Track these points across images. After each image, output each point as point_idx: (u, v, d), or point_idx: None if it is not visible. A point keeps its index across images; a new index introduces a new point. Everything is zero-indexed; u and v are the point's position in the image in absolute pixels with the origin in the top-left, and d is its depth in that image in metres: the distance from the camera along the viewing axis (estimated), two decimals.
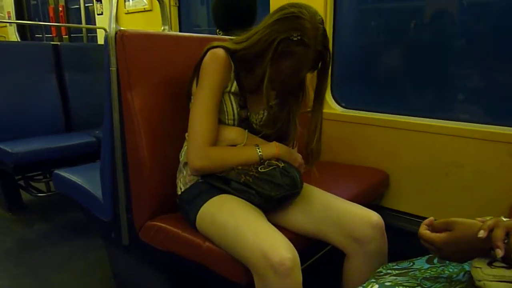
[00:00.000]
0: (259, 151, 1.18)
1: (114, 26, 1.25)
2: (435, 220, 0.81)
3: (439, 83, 1.92)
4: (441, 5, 1.91)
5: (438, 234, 0.77)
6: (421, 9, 1.99)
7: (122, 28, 1.26)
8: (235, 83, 1.20)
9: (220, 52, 1.15)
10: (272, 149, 1.20)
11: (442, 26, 1.89)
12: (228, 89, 1.20)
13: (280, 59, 1.10)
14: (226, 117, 1.21)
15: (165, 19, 1.49)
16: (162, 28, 1.49)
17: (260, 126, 1.27)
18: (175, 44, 1.41)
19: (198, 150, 1.14)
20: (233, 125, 1.22)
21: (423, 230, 0.79)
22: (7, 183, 2.53)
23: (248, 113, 1.25)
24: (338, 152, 1.97)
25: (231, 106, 1.21)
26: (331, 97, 2.02)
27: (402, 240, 1.35)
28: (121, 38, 1.25)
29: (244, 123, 1.24)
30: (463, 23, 1.88)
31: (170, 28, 1.61)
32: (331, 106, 2.00)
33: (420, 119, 1.75)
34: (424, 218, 1.70)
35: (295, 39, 1.06)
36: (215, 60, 1.14)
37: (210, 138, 1.15)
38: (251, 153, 1.18)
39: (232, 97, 1.21)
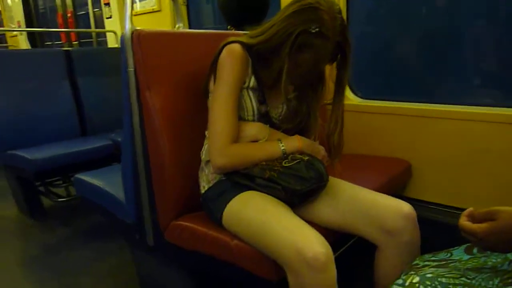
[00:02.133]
0: (282, 146, 1.16)
1: (130, 26, 1.23)
2: (475, 210, 0.78)
3: (460, 68, 1.87)
4: None
5: (480, 225, 0.73)
6: None
7: (138, 28, 1.25)
8: (253, 78, 1.18)
9: (237, 47, 1.13)
10: (294, 142, 1.18)
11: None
12: (246, 84, 1.18)
13: (298, 52, 1.08)
14: (246, 113, 1.19)
15: (179, 17, 1.47)
16: (177, 26, 1.47)
17: (280, 120, 1.25)
18: (191, 42, 1.39)
19: (219, 148, 1.13)
20: (253, 120, 1.21)
21: (464, 222, 0.76)
22: (28, 190, 2.55)
23: (268, 108, 1.23)
24: (357, 144, 1.93)
25: (250, 102, 1.19)
26: (348, 88, 1.98)
27: (428, 230, 1.31)
28: (138, 38, 1.24)
29: (264, 118, 1.22)
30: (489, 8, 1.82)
31: (185, 26, 1.59)
32: (348, 97, 1.97)
33: (440, 106, 1.71)
34: (451, 208, 1.70)
35: (313, 31, 1.04)
36: (232, 56, 1.13)
37: (231, 135, 1.14)
38: (274, 148, 1.16)
39: (250, 92, 1.19)
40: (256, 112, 1.20)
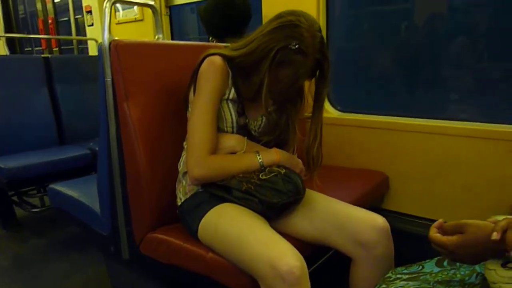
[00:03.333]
0: (260, 158, 1.16)
1: (108, 36, 1.22)
2: (444, 222, 0.80)
3: (435, 83, 1.92)
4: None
5: (449, 237, 0.75)
6: (411, 11, 2.01)
7: (116, 38, 1.24)
8: (233, 90, 1.19)
9: (217, 59, 1.14)
10: (272, 155, 1.18)
11: (435, 27, 1.91)
12: (226, 96, 1.18)
13: (278, 67, 1.09)
14: (225, 124, 1.20)
15: (158, 28, 1.47)
16: (156, 37, 1.47)
17: (259, 133, 1.26)
18: (170, 53, 1.39)
19: (197, 159, 1.12)
20: (232, 132, 1.21)
21: (434, 234, 0.78)
22: (0, 200, 2.47)
23: (247, 120, 1.23)
24: (336, 156, 1.95)
25: (230, 113, 1.19)
26: (327, 101, 2.01)
27: (404, 242, 1.33)
28: (116, 48, 1.23)
29: (242, 130, 1.23)
30: (456, 23, 1.89)
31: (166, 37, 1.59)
32: (328, 110, 1.99)
33: (417, 120, 1.75)
34: (426, 219, 1.73)
35: (293, 48, 1.05)
36: (212, 68, 1.13)
37: (209, 146, 1.13)
38: (252, 160, 1.16)
39: (230, 104, 1.19)
40: (235, 124, 1.20)
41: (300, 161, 1.26)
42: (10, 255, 2.18)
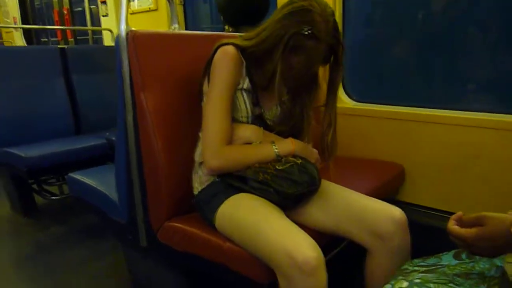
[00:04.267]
0: (276, 148, 1.16)
1: (125, 26, 1.23)
2: (463, 214, 0.79)
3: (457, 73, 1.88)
4: None
5: (468, 230, 0.74)
6: None
7: (133, 29, 1.25)
8: (247, 79, 1.19)
9: (231, 49, 1.14)
10: (288, 145, 1.18)
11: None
12: (240, 86, 1.18)
13: (291, 54, 1.09)
14: (240, 114, 1.20)
15: (174, 18, 1.47)
16: (173, 27, 1.47)
17: (274, 122, 1.26)
18: (187, 43, 1.39)
19: (213, 150, 1.13)
20: (247, 122, 1.21)
21: (452, 226, 0.77)
22: (21, 188, 2.53)
23: (262, 110, 1.23)
24: (351, 147, 1.94)
25: (244, 104, 1.19)
26: (342, 91, 1.99)
27: (419, 234, 1.32)
28: (133, 38, 1.24)
29: (257, 120, 1.23)
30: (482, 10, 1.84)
31: (181, 26, 1.59)
32: (343, 100, 1.98)
33: (433, 111, 1.72)
34: (442, 212, 1.71)
35: (305, 33, 1.04)
36: (226, 57, 1.13)
37: (225, 137, 1.14)
38: (267, 150, 1.16)
39: (244, 94, 1.19)
40: (250, 113, 1.20)
41: (315, 150, 1.25)
42: (31, 243, 2.24)
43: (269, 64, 1.12)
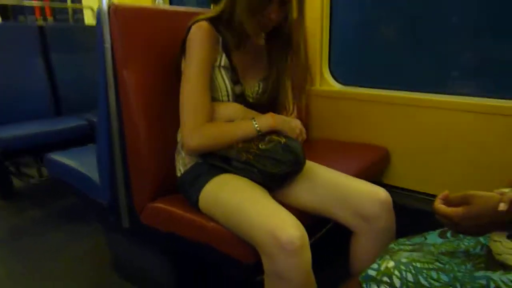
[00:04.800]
0: (256, 124, 1.13)
1: (107, 0, 1.18)
2: (449, 193, 0.79)
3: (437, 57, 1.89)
4: None
5: (454, 209, 0.74)
6: None
7: (115, 3, 1.19)
8: (224, 56, 1.16)
9: (204, 24, 1.11)
10: (268, 120, 1.14)
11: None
12: (217, 63, 1.16)
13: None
14: (220, 93, 1.17)
15: None
16: (157, 1, 1.42)
17: (255, 99, 1.23)
18: (171, 19, 1.35)
19: (191, 128, 1.10)
20: (228, 101, 1.18)
21: (438, 205, 0.77)
22: None
23: (242, 88, 1.20)
24: (338, 129, 1.94)
25: (223, 82, 1.17)
26: (329, 74, 1.98)
27: (404, 217, 1.34)
28: (115, 12, 1.19)
29: (239, 99, 1.20)
30: None
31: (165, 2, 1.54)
32: (330, 83, 1.97)
33: (418, 94, 1.73)
34: (426, 194, 1.73)
35: None
36: (199, 33, 1.11)
37: (203, 115, 1.11)
38: (248, 126, 1.13)
39: (223, 71, 1.17)
40: (230, 92, 1.18)
41: (298, 121, 1.21)
42: (7, 225, 2.17)
43: (235, 17, 1.10)
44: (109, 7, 1.19)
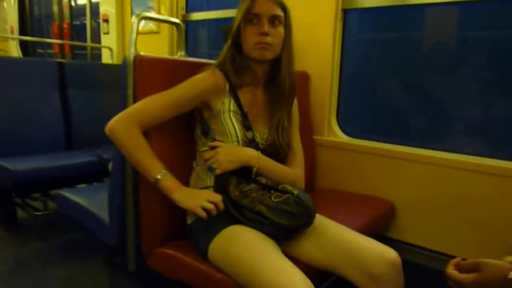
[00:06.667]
0: (158, 176, 1.15)
1: (133, 50, 1.25)
2: (462, 260, 0.81)
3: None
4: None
5: (466, 275, 0.76)
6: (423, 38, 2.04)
7: (141, 53, 1.27)
8: (232, 100, 1.22)
9: (214, 69, 1.23)
10: (171, 184, 1.17)
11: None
12: (226, 107, 1.21)
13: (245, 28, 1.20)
14: (230, 139, 1.21)
15: (181, 45, 1.50)
16: (179, 53, 1.50)
17: (266, 146, 1.26)
18: (191, 69, 1.41)
19: (124, 119, 1.16)
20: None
21: (451, 270, 0.79)
22: (3, 201, 2.46)
23: (253, 134, 1.25)
24: (344, 180, 1.97)
25: (233, 127, 1.21)
26: (337, 125, 2.03)
27: (408, 272, 1.33)
28: (140, 62, 1.26)
29: (252, 144, 1.24)
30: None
31: (187, 54, 1.62)
32: (337, 134, 2.01)
33: (425, 151, 1.76)
34: (431, 251, 1.72)
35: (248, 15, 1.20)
36: (205, 72, 1.22)
37: (144, 118, 1.17)
38: (152, 172, 1.16)
39: (233, 117, 1.21)
40: (240, 137, 1.22)
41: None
42: (8, 258, 2.15)
43: (239, 59, 1.23)
44: (135, 57, 1.27)
